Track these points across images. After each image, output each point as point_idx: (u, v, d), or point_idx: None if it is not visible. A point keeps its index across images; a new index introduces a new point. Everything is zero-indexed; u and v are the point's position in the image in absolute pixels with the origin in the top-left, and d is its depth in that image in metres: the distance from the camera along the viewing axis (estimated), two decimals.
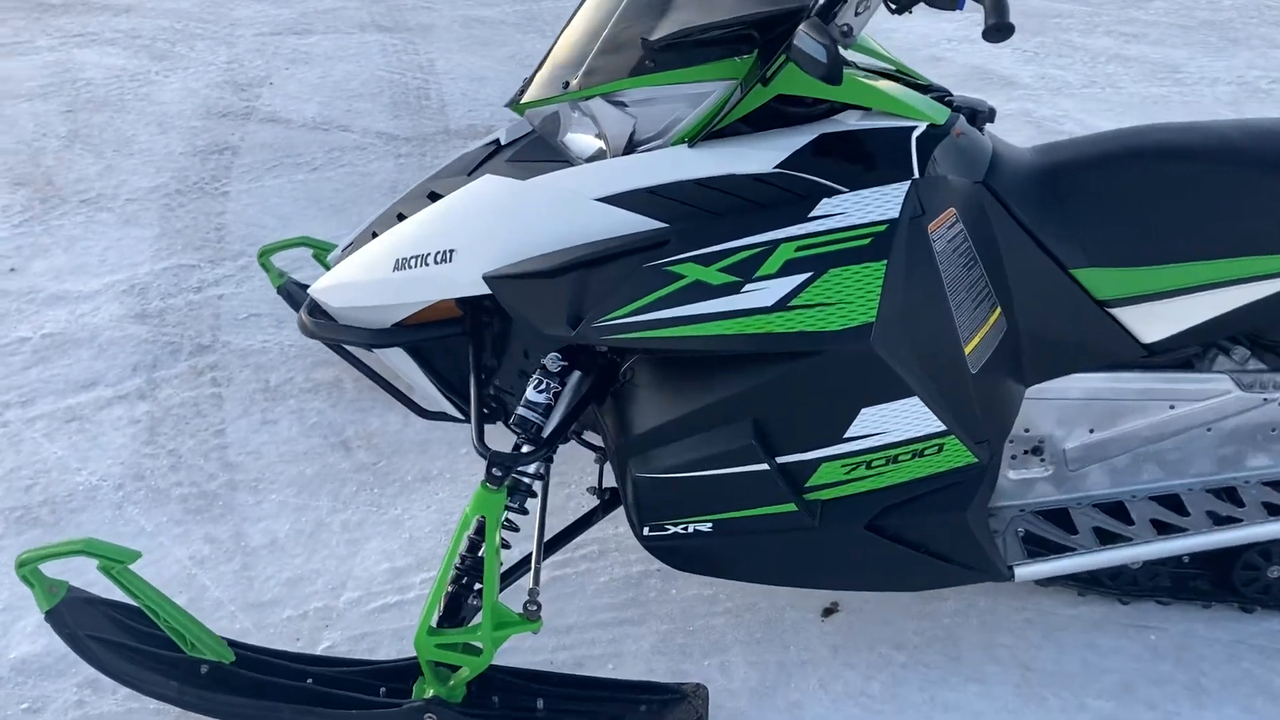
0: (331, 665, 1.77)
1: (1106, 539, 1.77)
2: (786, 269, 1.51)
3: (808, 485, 1.62)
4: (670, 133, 1.62)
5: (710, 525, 1.64)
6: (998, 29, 1.38)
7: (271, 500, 2.23)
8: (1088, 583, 1.98)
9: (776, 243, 1.52)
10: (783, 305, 1.51)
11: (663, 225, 1.55)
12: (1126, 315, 1.70)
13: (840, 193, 1.54)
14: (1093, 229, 1.68)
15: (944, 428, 1.59)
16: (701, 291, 1.52)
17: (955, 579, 1.73)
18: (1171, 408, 1.79)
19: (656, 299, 1.53)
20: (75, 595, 1.69)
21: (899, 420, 1.58)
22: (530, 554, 1.76)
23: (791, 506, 1.61)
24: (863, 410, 1.57)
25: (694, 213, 1.55)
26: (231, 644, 1.74)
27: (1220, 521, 1.77)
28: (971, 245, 1.60)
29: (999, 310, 1.65)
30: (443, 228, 1.68)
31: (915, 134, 1.61)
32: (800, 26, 1.46)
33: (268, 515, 2.19)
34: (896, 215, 1.53)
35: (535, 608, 1.66)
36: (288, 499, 2.23)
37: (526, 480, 1.69)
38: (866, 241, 1.52)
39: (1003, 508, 1.86)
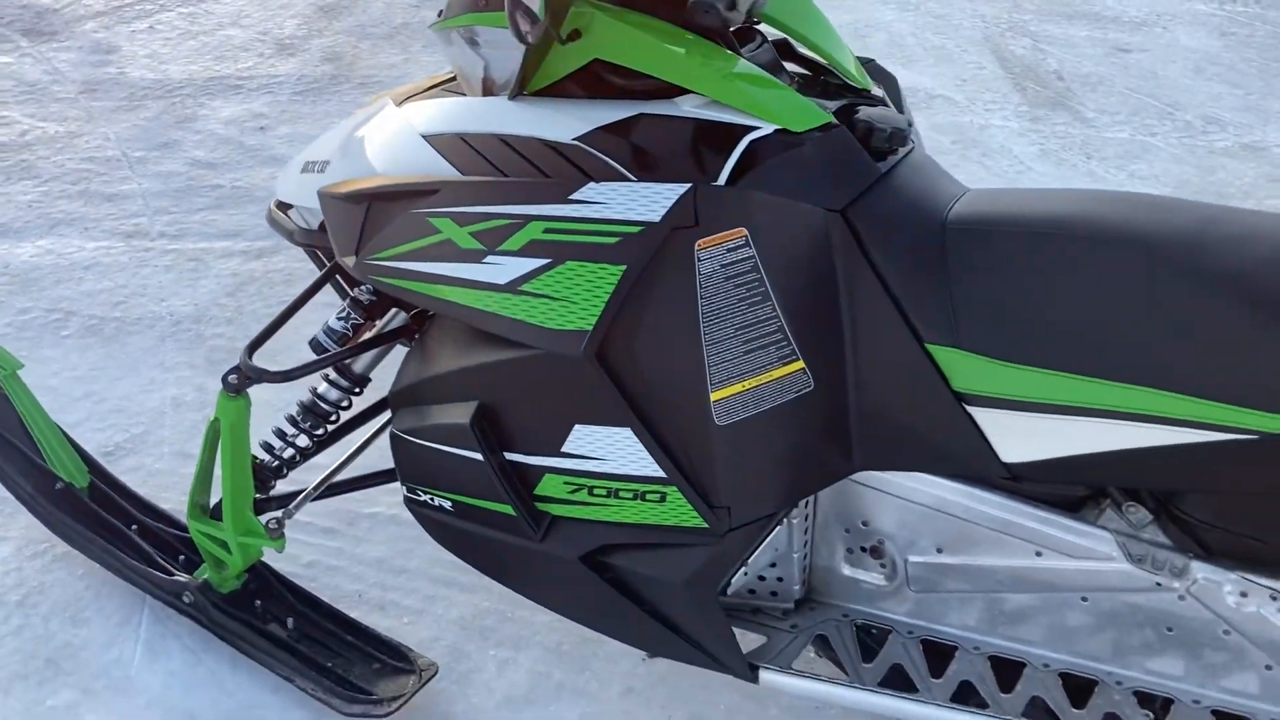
0: (162, 521, 1.89)
1: (897, 683, 1.42)
2: (529, 250, 1.35)
3: (537, 494, 1.45)
4: (511, 82, 1.49)
5: (451, 504, 1.53)
6: None
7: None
8: None
9: (528, 218, 1.36)
10: (513, 287, 1.36)
11: (448, 174, 1.44)
12: (985, 419, 1.32)
13: (624, 181, 1.34)
14: (970, 303, 1.31)
15: (664, 475, 1.35)
16: (449, 251, 1.40)
17: (684, 655, 1.48)
18: (1039, 555, 1.38)
19: (413, 249, 1.44)
20: None
21: (615, 450, 1.37)
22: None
23: (509, 509, 1.46)
24: (577, 426, 1.38)
25: (483, 167, 1.43)
26: (95, 473, 1.91)
27: (1038, 713, 1.35)
28: (764, 278, 1.32)
29: (798, 365, 1.34)
30: (333, 139, 1.69)
31: (751, 136, 1.35)
32: None
33: None
34: (657, 220, 1.30)
35: (276, 526, 1.66)
36: None
37: (325, 405, 1.68)
38: (613, 240, 1.31)
39: (826, 604, 1.55)
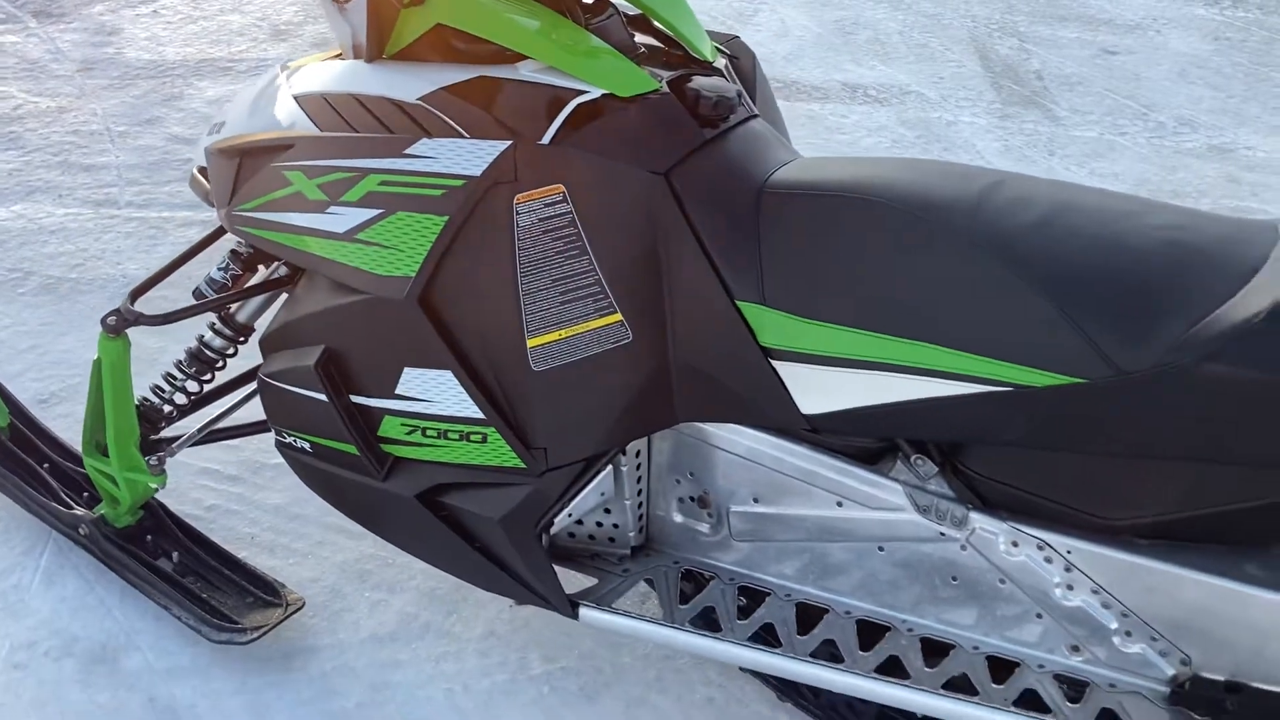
0: (72, 461, 2.00)
1: (707, 625, 1.49)
2: (366, 200, 1.44)
3: (380, 435, 1.54)
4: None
5: (309, 445, 1.62)
6: None
7: None
8: (787, 689, 1.66)
9: (366, 171, 1.45)
10: (349, 236, 1.45)
11: (309, 131, 1.54)
12: (788, 372, 1.39)
13: (457, 137, 1.42)
14: (776, 263, 1.38)
15: (483, 416, 1.44)
16: (299, 202, 1.50)
17: (510, 591, 1.56)
18: (840, 505, 1.44)
19: (269, 200, 1.53)
20: None
21: (439, 392, 1.46)
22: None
23: (352, 448, 1.54)
24: (406, 369, 1.47)
25: (338, 124, 1.52)
26: (16, 415, 2.03)
27: (831, 659, 1.41)
28: (581, 233, 1.39)
29: (616, 317, 1.42)
30: (235, 103, 1.79)
31: (578, 100, 1.42)
32: None
33: None
34: (478, 174, 1.39)
35: (158, 463, 1.76)
36: None
37: (209, 353, 1.78)
38: (438, 193, 1.40)
39: (661, 551, 1.62)
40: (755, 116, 1.57)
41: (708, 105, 1.46)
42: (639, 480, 1.57)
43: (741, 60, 1.70)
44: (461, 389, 1.43)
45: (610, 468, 1.52)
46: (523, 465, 1.45)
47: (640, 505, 1.59)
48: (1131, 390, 1.16)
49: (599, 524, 1.61)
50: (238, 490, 2.07)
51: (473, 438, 1.47)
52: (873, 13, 4.70)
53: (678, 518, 1.59)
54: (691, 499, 1.57)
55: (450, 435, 1.48)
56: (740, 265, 1.39)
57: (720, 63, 1.61)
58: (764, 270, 1.38)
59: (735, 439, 1.49)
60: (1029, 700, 1.32)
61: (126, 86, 3.73)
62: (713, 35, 1.69)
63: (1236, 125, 3.79)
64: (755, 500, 1.51)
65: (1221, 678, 1.23)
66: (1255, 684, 1.21)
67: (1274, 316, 1.10)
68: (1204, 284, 1.18)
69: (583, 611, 1.52)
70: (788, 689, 1.66)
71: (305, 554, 1.94)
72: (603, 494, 1.53)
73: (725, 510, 1.54)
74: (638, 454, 1.55)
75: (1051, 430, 1.23)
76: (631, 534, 1.60)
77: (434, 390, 1.46)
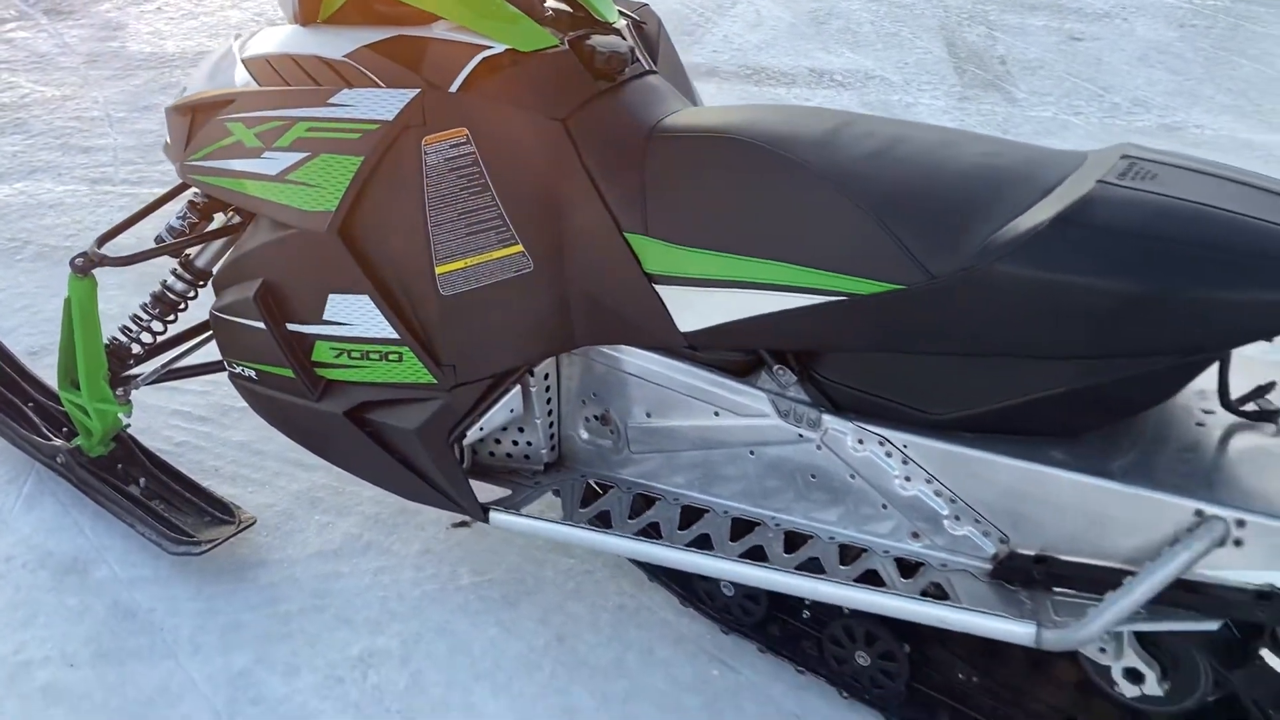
0: (54, 399, 2.19)
1: (602, 525, 1.66)
2: (295, 145, 1.62)
3: (315, 360, 1.72)
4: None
5: (254, 373, 1.80)
6: None
7: None
8: (688, 595, 1.83)
9: (295, 119, 1.63)
10: (280, 177, 1.63)
11: (250, 87, 1.72)
12: (668, 295, 1.55)
13: (374, 88, 1.60)
14: (658, 197, 1.55)
15: (397, 336, 1.61)
16: (239, 150, 1.68)
17: (429, 499, 1.72)
18: (716, 415, 1.60)
19: (215, 149, 1.71)
20: None
21: (359, 316, 1.63)
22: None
23: (289, 372, 1.72)
24: (331, 296, 1.64)
25: (276, 81, 1.70)
26: (4, 360, 2.23)
27: (703, 546, 1.57)
28: (484, 172, 1.57)
29: (517, 248, 1.59)
30: (196, 68, 1.98)
31: (483, 54, 1.60)
32: None
33: None
34: (390, 119, 1.56)
35: (123, 394, 1.95)
36: None
37: (171, 295, 1.97)
38: (355, 136, 1.58)
39: (572, 467, 1.79)
40: (652, 72, 1.74)
41: (602, 59, 1.63)
42: (549, 401, 1.74)
43: (648, 25, 1.87)
44: (379, 312, 1.61)
45: (519, 388, 1.68)
46: (434, 381, 1.63)
47: (551, 425, 1.76)
48: (942, 293, 1.32)
49: (515, 442, 1.78)
50: (205, 429, 2.25)
51: (390, 357, 1.64)
52: (848, 3, 4.86)
53: (585, 435, 1.76)
54: (596, 418, 1.74)
55: (371, 356, 1.65)
56: (627, 201, 1.56)
57: (620, 24, 1.77)
58: (648, 205, 1.55)
59: (629, 360, 1.65)
60: (870, 578, 1.48)
61: (128, 77, 3.95)
62: (621, 1, 1.87)
63: (1190, 105, 3.93)
64: (648, 415, 1.67)
65: (1033, 552, 1.38)
66: (1060, 556, 1.37)
67: (1057, 221, 1.26)
68: (1008, 199, 1.33)
69: (493, 515, 1.69)
70: (689, 595, 1.83)
71: (263, 484, 2.12)
72: (512, 411, 1.70)
73: (624, 426, 1.70)
74: (546, 377, 1.72)
75: (881, 334, 1.39)
76: (544, 451, 1.77)
77: (355, 314, 1.64)
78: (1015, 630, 1.31)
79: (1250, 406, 1.37)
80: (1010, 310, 1.29)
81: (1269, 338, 1.22)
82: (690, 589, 1.83)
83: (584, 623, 1.84)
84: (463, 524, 2.02)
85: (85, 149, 3.42)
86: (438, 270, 1.58)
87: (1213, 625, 1.27)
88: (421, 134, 1.56)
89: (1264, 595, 1.22)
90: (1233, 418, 1.37)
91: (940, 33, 4.55)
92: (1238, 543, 1.23)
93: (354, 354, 1.67)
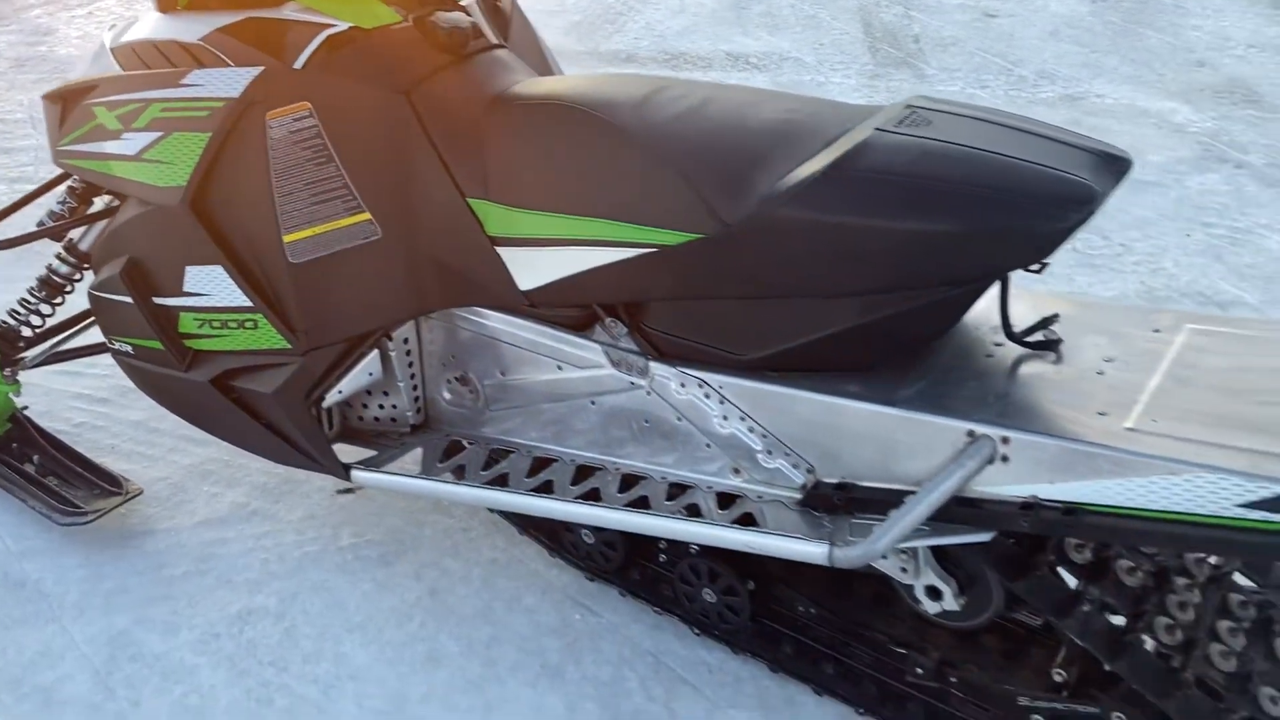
0: None
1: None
2: (151, 125, 1.70)
3: (181, 332, 1.80)
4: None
5: (130, 348, 1.88)
6: None
7: None
8: (555, 547, 1.92)
9: (150, 101, 1.71)
10: (138, 156, 1.71)
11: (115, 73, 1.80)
12: (509, 256, 1.64)
13: (225, 67, 1.68)
14: (497, 163, 1.63)
15: (251, 304, 1.69)
16: (102, 133, 1.76)
17: (295, 460, 1.81)
18: (560, 369, 1.69)
19: (82, 133, 1.79)
20: None
21: (216, 286, 1.71)
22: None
23: (158, 344, 1.80)
24: (188, 268, 1.72)
25: (138, 66, 1.77)
26: None
27: (542, 490, 1.66)
28: (328, 143, 1.65)
29: (365, 216, 1.67)
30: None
31: (327, 32, 1.68)
32: None
33: None
34: (236, 96, 1.64)
35: (10, 373, 2.03)
36: None
37: (57, 279, 2.04)
38: (204, 114, 1.66)
39: (437, 429, 1.87)
40: (500, 46, 1.82)
41: (444, 34, 1.72)
42: (410, 365, 1.82)
43: (503, 2, 1.95)
44: (232, 281, 1.69)
45: (376, 352, 1.77)
46: (289, 346, 1.71)
47: (415, 388, 1.84)
48: (735, 240, 1.40)
49: (381, 406, 1.86)
50: (104, 410, 2.33)
51: (247, 325, 1.72)
52: None
53: (448, 397, 1.84)
54: (456, 379, 1.82)
55: (230, 324, 1.73)
56: (469, 168, 1.64)
57: (467, 1, 1.86)
58: (488, 171, 1.63)
59: (480, 321, 1.73)
60: (694, 514, 1.57)
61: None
62: None
63: (1093, 77, 4.03)
64: (502, 374, 1.76)
65: (835, 480, 1.47)
66: (858, 482, 1.46)
67: (831, 167, 1.35)
68: (796, 150, 1.42)
69: (354, 473, 1.77)
70: (557, 546, 1.92)
71: (157, 459, 2.20)
72: (371, 374, 1.78)
73: (482, 386, 1.79)
74: (406, 341, 1.80)
75: (689, 282, 1.48)
76: (410, 414, 1.85)
77: (212, 285, 1.72)
78: (810, 550, 1.41)
79: (1037, 337, 1.46)
80: (794, 253, 1.38)
81: (1026, 266, 1.32)
82: (557, 539, 1.92)
83: (457, 577, 1.92)
84: (347, 490, 2.11)
85: (7, 150, 3.48)
86: (286, 239, 1.66)
87: (986, 536, 1.36)
88: (265, 109, 1.64)
89: (1027, 506, 1.31)
90: (1019, 349, 1.46)
91: (858, 14, 4.65)
92: (1004, 459, 1.32)
93: (214, 323, 1.75)
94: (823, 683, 1.69)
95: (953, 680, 1.59)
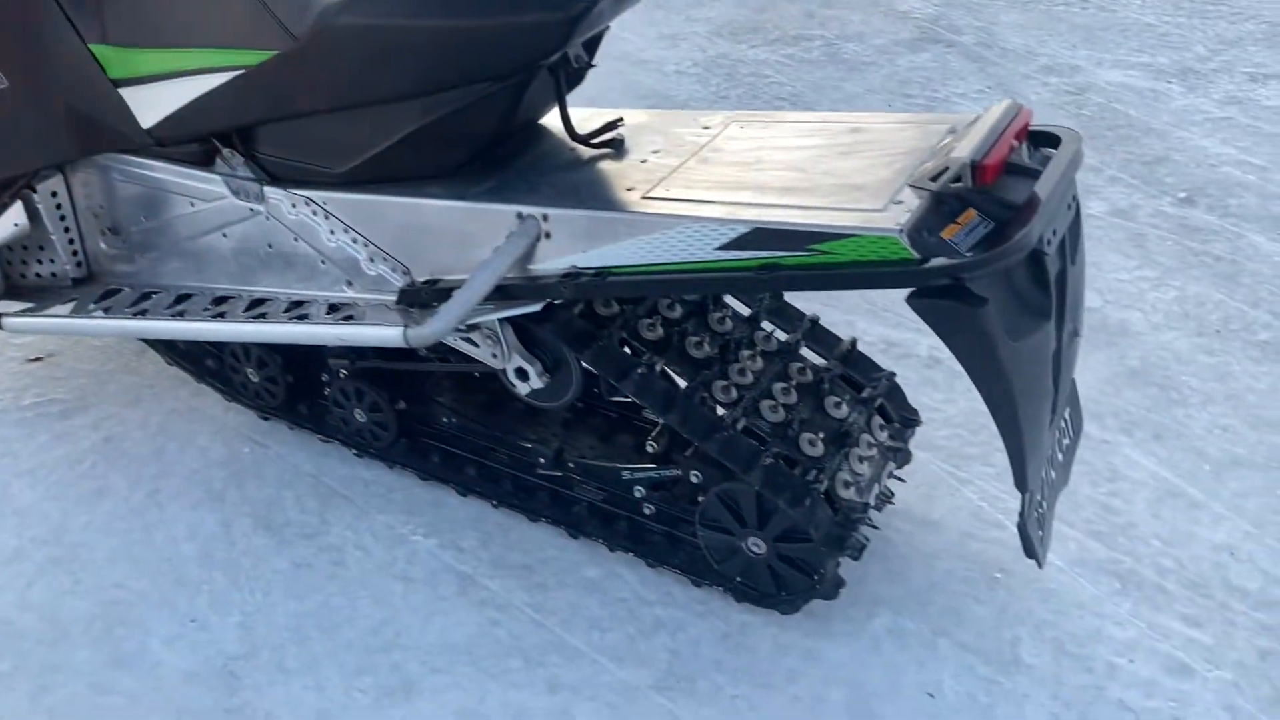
0: None
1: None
2: None
3: None
4: None
5: None
6: None
7: None
8: (230, 392, 2.02)
9: None
10: None
11: None
12: (130, 96, 1.71)
13: None
14: (112, 5, 1.70)
15: None
16: None
17: None
18: (192, 205, 1.77)
19: None
20: None
21: None
22: None
23: None
24: None
25: None
26: None
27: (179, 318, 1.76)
28: None
29: None
30: None
31: None
32: None
33: None
34: None
35: None
36: None
37: None
38: None
39: (100, 281, 1.93)
40: None
41: None
42: (64, 219, 1.88)
43: None
44: None
45: (19, 204, 1.82)
46: None
47: (72, 242, 1.90)
48: (305, 54, 1.51)
49: (40, 262, 1.92)
50: None
51: None
52: None
53: (104, 247, 1.91)
54: (109, 229, 1.89)
55: None
56: (88, 13, 1.71)
57: None
58: (104, 14, 1.70)
59: (117, 167, 1.81)
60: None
61: None
62: None
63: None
64: (144, 219, 1.83)
65: (425, 278, 1.61)
66: (444, 276, 1.59)
67: None
68: None
69: (5, 320, 1.84)
70: (230, 390, 2.02)
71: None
72: (16, 225, 1.84)
73: (129, 233, 1.86)
74: (55, 195, 1.86)
75: (274, 100, 1.58)
76: (70, 268, 1.91)
77: None
78: (386, 334, 1.54)
79: (604, 140, 1.61)
80: (355, 61, 1.50)
81: (549, 55, 1.46)
82: (229, 383, 2.01)
83: (134, 425, 2.01)
84: (36, 360, 2.16)
85: None
86: None
87: (537, 306, 1.51)
88: None
89: (568, 275, 1.46)
90: (590, 151, 1.61)
91: None
92: (548, 235, 1.47)
93: None
94: (466, 484, 1.84)
95: (570, 465, 1.75)
